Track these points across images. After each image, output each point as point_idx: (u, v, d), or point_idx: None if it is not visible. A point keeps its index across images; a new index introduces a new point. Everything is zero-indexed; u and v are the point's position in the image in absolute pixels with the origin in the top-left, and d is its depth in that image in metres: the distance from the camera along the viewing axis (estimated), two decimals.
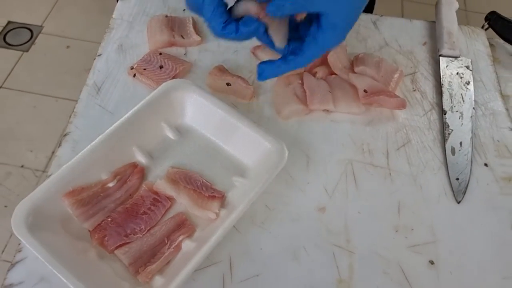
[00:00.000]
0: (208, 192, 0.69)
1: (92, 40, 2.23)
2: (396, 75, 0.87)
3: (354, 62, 0.88)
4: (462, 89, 0.88)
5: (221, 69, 0.85)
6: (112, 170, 0.70)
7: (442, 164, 0.79)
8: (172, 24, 0.91)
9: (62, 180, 0.64)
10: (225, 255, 0.68)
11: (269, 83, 0.86)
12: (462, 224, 0.73)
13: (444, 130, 0.82)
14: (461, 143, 0.81)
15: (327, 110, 0.83)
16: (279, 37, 0.64)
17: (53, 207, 0.63)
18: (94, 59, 0.89)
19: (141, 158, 0.73)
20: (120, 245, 0.64)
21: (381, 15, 1.00)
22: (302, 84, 0.84)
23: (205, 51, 0.91)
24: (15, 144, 1.87)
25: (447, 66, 0.90)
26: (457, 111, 0.85)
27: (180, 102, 0.76)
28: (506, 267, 0.69)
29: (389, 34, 0.97)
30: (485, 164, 0.80)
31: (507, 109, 0.87)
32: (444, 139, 0.81)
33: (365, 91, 0.83)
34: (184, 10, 0.97)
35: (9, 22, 2.27)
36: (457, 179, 0.77)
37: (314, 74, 0.86)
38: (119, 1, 0.99)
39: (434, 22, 1.00)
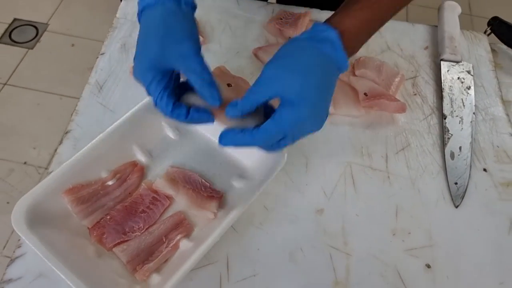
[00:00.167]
0: (206, 192, 0.70)
1: (97, 38, 2.23)
2: (397, 79, 0.87)
3: (355, 65, 0.88)
4: (462, 94, 0.88)
5: (223, 70, 0.85)
6: (112, 168, 0.71)
7: (441, 169, 0.79)
8: None
9: (62, 178, 0.65)
10: (222, 254, 0.68)
11: None
12: (459, 229, 0.73)
13: (443, 135, 0.82)
14: (460, 148, 0.81)
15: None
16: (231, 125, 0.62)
17: (53, 204, 0.64)
18: (97, 57, 0.89)
19: (141, 157, 0.73)
20: (119, 243, 0.65)
21: None
22: None
23: (207, 52, 0.91)
24: (19, 141, 1.88)
25: (448, 71, 0.91)
26: (457, 115, 0.85)
27: None
28: (503, 272, 0.70)
29: (391, 38, 0.98)
30: (484, 169, 0.80)
31: (507, 115, 0.87)
32: (443, 143, 0.82)
33: (365, 94, 0.83)
34: None
35: (15, 20, 2.28)
36: (456, 183, 0.77)
37: None
38: (123, 1, 0.99)
39: (437, 26, 1.00)
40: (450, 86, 0.89)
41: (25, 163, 1.82)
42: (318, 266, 0.68)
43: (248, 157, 0.74)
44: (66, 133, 0.78)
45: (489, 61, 0.96)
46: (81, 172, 0.67)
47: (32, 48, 2.20)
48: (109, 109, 0.82)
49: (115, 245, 0.64)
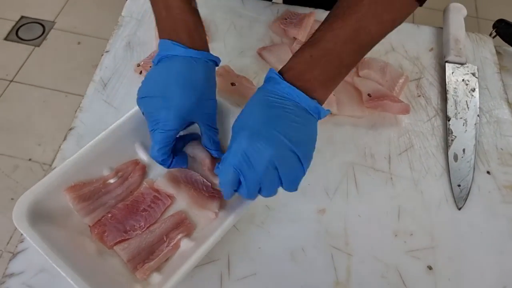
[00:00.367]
0: (208, 191, 0.69)
1: (103, 37, 2.23)
2: (401, 80, 0.87)
3: (359, 66, 0.88)
4: (467, 96, 0.87)
5: (227, 69, 0.85)
6: (114, 166, 0.71)
7: (444, 170, 0.79)
8: None
9: (64, 175, 0.65)
10: (223, 253, 0.68)
11: None
12: (462, 231, 0.73)
13: (447, 137, 0.82)
14: (464, 150, 0.80)
15: (331, 113, 0.83)
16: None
17: (55, 201, 0.64)
18: (102, 55, 0.90)
19: (143, 156, 0.73)
20: (120, 241, 0.65)
21: None
22: None
23: (211, 51, 0.91)
24: (24, 138, 1.89)
25: (452, 73, 0.90)
26: (461, 117, 0.84)
27: None
28: (505, 276, 0.69)
29: (396, 39, 0.97)
30: (488, 172, 0.79)
31: None
32: (447, 145, 0.81)
33: (369, 95, 0.83)
34: None
35: (22, 17, 2.29)
36: (459, 185, 0.77)
37: None
38: None
39: (442, 28, 0.99)
40: (455, 88, 0.88)
41: (30, 159, 1.83)
42: (319, 266, 0.68)
43: None
44: (70, 129, 0.78)
45: (494, 63, 0.96)
46: (83, 169, 0.67)
47: (38, 46, 2.21)
48: (113, 107, 0.82)
49: (116, 243, 0.64)
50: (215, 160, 0.70)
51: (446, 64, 0.92)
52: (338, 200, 0.74)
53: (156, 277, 0.62)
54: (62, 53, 2.20)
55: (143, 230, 0.66)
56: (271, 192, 0.58)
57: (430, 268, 0.69)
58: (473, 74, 0.90)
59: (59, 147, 0.77)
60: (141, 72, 0.85)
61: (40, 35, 2.25)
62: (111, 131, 0.69)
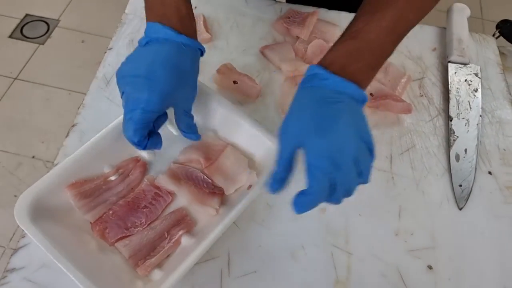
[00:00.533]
0: (208, 188, 0.70)
1: (107, 35, 2.24)
2: (403, 80, 0.87)
3: None
4: (469, 96, 0.87)
5: (229, 67, 0.85)
6: (115, 163, 0.71)
7: (445, 170, 0.79)
8: None
9: (66, 172, 0.65)
10: (224, 250, 0.68)
11: (277, 83, 0.87)
12: (463, 231, 0.73)
13: (449, 137, 0.82)
14: (466, 150, 0.80)
15: None
16: None
17: (56, 198, 0.64)
18: (105, 52, 0.90)
19: (143, 153, 0.73)
20: (121, 238, 0.65)
21: None
22: None
23: (214, 49, 0.91)
24: (27, 135, 1.90)
25: (455, 73, 0.90)
26: (463, 118, 0.84)
27: None
28: (506, 276, 0.69)
29: None
30: (489, 172, 0.79)
31: None
32: (449, 145, 0.81)
33: (371, 94, 0.83)
34: (195, 7, 0.98)
35: (26, 15, 2.30)
36: (460, 185, 0.77)
37: None
38: None
39: (445, 28, 0.99)
40: (457, 88, 0.88)
41: (33, 157, 1.84)
42: (319, 265, 0.68)
43: (251, 153, 0.74)
44: (73, 126, 0.79)
45: (497, 63, 0.95)
46: (84, 166, 0.67)
47: (43, 44, 2.22)
48: (116, 104, 0.82)
49: (117, 240, 0.65)
50: (210, 158, 0.71)
51: (449, 64, 0.91)
52: None
53: (157, 274, 0.63)
54: (66, 51, 2.20)
55: (144, 226, 0.66)
56: (353, 192, 0.56)
57: (430, 267, 0.69)
58: (476, 75, 0.90)
59: (62, 144, 0.77)
60: None
61: (45, 33, 2.26)
62: (112, 128, 0.69)
